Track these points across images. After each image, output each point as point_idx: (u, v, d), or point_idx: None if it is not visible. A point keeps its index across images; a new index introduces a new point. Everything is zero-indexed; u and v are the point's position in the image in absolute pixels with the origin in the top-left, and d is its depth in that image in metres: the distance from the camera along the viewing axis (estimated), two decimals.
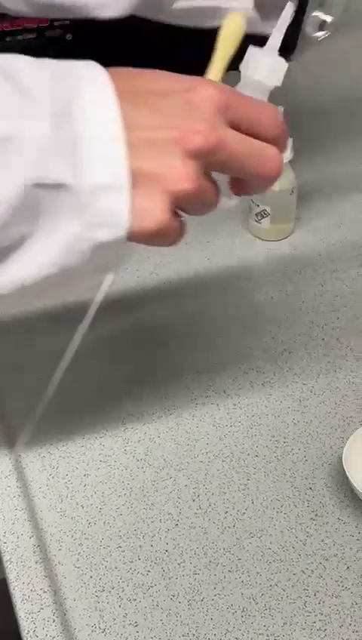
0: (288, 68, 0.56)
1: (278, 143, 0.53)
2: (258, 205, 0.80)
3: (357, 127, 0.96)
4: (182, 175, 0.48)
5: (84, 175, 0.46)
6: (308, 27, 0.79)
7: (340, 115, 0.97)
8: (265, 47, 0.57)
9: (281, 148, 0.53)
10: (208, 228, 0.83)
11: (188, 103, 0.49)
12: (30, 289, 0.50)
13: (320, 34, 0.80)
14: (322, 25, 0.80)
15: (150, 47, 0.98)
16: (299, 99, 0.99)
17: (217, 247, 0.82)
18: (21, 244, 0.48)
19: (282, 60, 0.57)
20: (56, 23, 0.91)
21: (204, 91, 0.49)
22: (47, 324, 0.74)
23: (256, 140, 0.51)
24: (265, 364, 0.70)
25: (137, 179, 0.47)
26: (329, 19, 0.78)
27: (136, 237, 0.48)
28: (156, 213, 0.47)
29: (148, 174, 0.47)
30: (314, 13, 0.79)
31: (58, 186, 0.46)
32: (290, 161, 0.77)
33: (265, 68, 0.56)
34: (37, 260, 0.48)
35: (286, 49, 1.01)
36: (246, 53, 0.56)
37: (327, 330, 0.73)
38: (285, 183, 0.79)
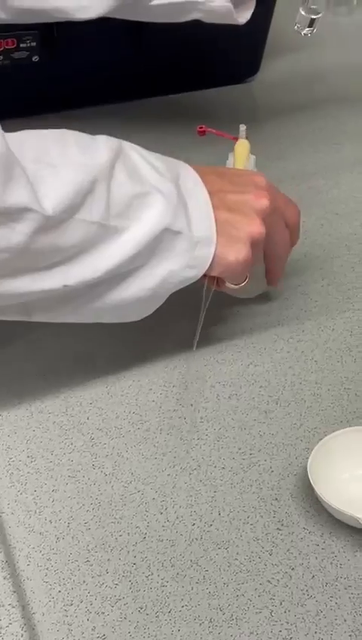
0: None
1: (294, 233, 0.72)
2: None
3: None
4: (256, 222, 0.65)
5: (191, 228, 0.63)
6: (297, 24, 0.82)
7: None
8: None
9: (294, 238, 0.73)
10: None
11: (253, 180, 0.68)
12: (127, 307, 0.64)
13: (307, 30, 0.83)
14: (311, 22, 0.83)
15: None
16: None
17: None
18: (135, 272, 0.62)
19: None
20: (22, 45, 0.92)
21: (260, 176, 0.69)
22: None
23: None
24: (231, 377, 0.71)
25: (221, 227, 0.64)
26: (316, 16, 0.81)
27: (224, 271, 0.65)
28: (239, 246, 0.64)
29: (232, 222, 0.64)
30: (302, 12, 0.81)
31: (178, 233, 0.62)
32: None
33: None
34: (141, 285, 0.63)
35: (248, 69, 1.04)
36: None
37: (292, 343, 0.74)
38: None
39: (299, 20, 0.84)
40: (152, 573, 0.57)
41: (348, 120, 1.00)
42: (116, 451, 0.65)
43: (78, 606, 0.55)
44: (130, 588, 0.56)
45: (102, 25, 0.94)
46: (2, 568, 0.57)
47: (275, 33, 1.03)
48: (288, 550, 0.58)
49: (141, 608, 0.55)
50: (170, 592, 0.56)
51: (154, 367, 0.72)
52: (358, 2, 1.14)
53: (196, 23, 0.96)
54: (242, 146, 0.78)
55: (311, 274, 0.80)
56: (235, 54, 1.01)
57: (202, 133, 0.81)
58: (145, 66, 0.98)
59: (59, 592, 0.56)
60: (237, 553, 0.58)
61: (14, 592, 0.56)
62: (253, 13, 0.97)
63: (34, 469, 0.64)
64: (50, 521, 0.60)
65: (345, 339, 0.74)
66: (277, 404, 0.68)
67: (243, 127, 0.78)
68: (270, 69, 1.05)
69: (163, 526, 0.60)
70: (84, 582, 0.56)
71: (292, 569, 0.57)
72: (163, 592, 0.56)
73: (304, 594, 0.55)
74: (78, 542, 0.59)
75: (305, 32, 0.86)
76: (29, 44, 0.92)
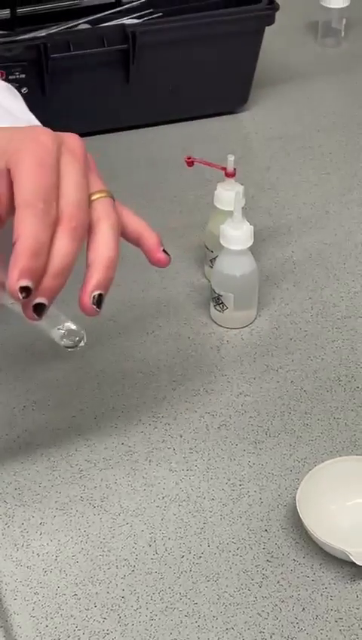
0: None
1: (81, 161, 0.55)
2: (216, 292, 0.77)
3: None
4: None
5: None
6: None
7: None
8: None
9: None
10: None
11: None
12: None
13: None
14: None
15: None
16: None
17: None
18: None
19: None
20: (11, 77, 0.93)
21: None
22: None
23: None
24: (220, 407, 0.71)
25: None
26: None
27: None
28: None
29: None
30: None
31: None
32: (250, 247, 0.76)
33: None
34: None
35: (236, 101, 1.05)
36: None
37: (281, 373, 0.74)
38: (247, 267, 0.76)
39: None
40: (141, 607, 0.57)
41: (336, 150, 1.01)
42: (105, 483, 0.65)
43: None
44: (119, 622, 0.56)
45: (92, 57, 0.96)
46: None
47: (264, 64, 1.04)
48: (278, 582, 0.58)
49: None
50: (158, 626, 0.55)
51: (143, 398, 0.72)
52: (345, 34, 1.17)
53: (185, 55, 0.98)
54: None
55: (300, 303, 0.81)
56: (224, 85, 1.03)
57: (190, 163, 0.82)
58: (134, 97, 0.99)
59: (47, 626, 0.56)
60: (227, 585, 0.58)
61: (1, 626, 0.55)
62: (242, 44, 0.99)
63: (21, 502, 0.63)
64: (37, 554, 0.60)
65: (334, 368, 0.74)
66: (266, 434, 0.68)
67: (231, 158, 0.79)
68: (259, 99, 1.06)
69: (151, 558, 0.60)
70: (71, 616, 0.56)
71: (283, 601, 0.57)
72: (152, 625, 0.55)
73: (294, 627, 0.55)
74: (66, 575, 0.59)
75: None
76: (17, 76, 0.93)
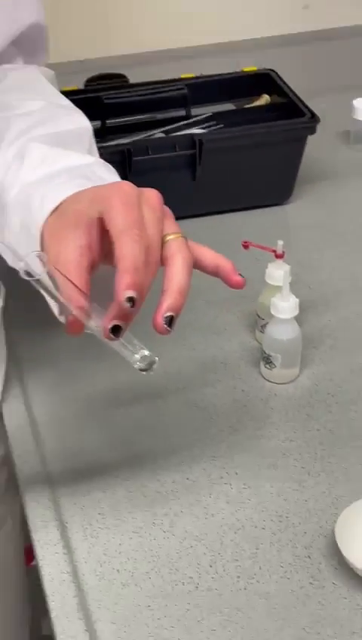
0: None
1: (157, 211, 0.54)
2: (266, 352, 0.77)
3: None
4: None
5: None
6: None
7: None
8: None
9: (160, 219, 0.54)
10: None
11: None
12: None
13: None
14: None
15: None
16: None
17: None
18: None
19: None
20: None
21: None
22: None
23: None
24: (269, 450, 0.70)
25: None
26: None
27: None
28: None
29: None
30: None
31: None
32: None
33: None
34: None
35: (283, 195, 1.06)
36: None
37: (321, 422, 0.73)
38: (292, 333, 0.76)
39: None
40: (203, 619, 0.56)
41: None
42: (172, 511, 0.65)
43: None
44: (185, 631, 0.55)
45: (166, 159, 0.97)
46: (77, 610, 0.57)
47: (306, 165, 1.05)
48: (319, 602, 0.57)
49: None
50: (218, 636, 0.55)
51: (205, 440, 0.71)
52: None
53: (242, 158, 0.99)
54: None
55: (336, 363, 0.80)
56: (273, 182, 1.03)
57: (246, 247, 0.82)
58: (200, 191, 1.00)
59: (125, 632, 0.55)
60: (276, 603, 0.57)
61: (86, 630, 0.55)
62: (288, 150, 1.00)
63: (103, 526, 0.64)
64: (117, 570, 0.60)
65: None
66: (308, 474, 0.68)
67: (280, 242, 0.79)
68: (302, 194, 1.06)
69: (212, 577, 0.59)
70: (145, 624, 0.56)
71: (324, 618, 0.56)
72: (213, 634, 0.55)
73: None
74: (141, 589, 0.58)
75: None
76: None
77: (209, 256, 0.56)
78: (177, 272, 0.52)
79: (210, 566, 0.60)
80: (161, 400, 0.75)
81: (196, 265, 0.55)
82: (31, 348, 0.81)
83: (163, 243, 0.53)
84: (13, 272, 0.53)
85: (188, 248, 0.54)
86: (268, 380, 0.78)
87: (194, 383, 0.78)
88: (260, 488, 0.67)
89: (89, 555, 0.61)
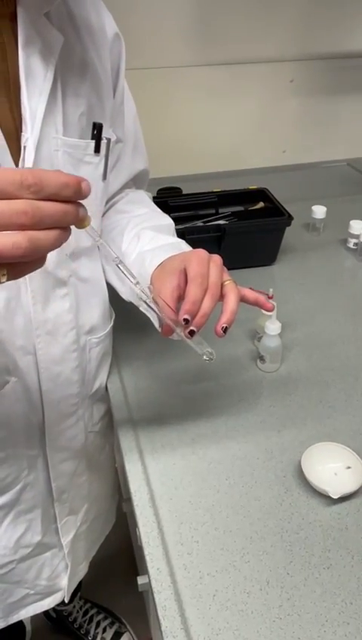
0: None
1: (218, 269, 0.54)
2: (261, 353, 0.76)
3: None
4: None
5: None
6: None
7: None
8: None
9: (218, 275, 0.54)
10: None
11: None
12: None
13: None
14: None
15: None
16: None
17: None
18: None
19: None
20: None
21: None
22: None
23: None
24: (262, 412, 0.68)
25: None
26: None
27: None
28: None
29: None
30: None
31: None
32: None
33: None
34: None
35: (271, 259, 1.02)
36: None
37: (294, 392, 0.70)
38: (277, 342, 0.75)
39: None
40: (222, 510, 0.54)
41: (329, 294, 0.89)
42: (204, 447, 0.62)
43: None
44: (209, 516, 0.53)
45: (203, 238, 0.95)
46: (149, 499, 0.56)
47: (286, 242, 1.03)
48: (290, 503, 0.56)
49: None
50: (231, 521, 0.53)
51: (222, 406, 0.68)
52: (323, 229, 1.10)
53: (246, 237, 0.97)
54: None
55: (301, 362, 0.76)
56: (264, 252, 1.02)
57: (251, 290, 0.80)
58: (223, 257, 0.97)
59: (177, 515, 0.54)
60: (265, 503, 0.55)
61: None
62: (274, 233, 0.97)
63: (163, 453, 0.61)
64: (171, 479, 0.58)
65: (316, 383, 0.70)
66: (285, 426, 0.65)
67: (271, 289, 0.79)
68: (284, 259, 1.03)
69: (227, 486, 0.57)
70: (187, 507, 0.54)
71: (293, 513, 0.55)
72: (227, 519, 0.53)
73: (296, 526, 0.53)
74: (185, 490, 0.57)
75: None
76: None
77: (250, 294, 0.57)
78: (230, 302, 0.53)
79: (226, 479, 0.60)
80: (206, 380, 0.74)
81: (242, 299, 0.56)
82: (126, 349, 0.79)
83: (222, 285, 0.54)
84: (120, 303, 0.55)
85: (237, 288, 0.55)
86: (262, 370, 0.77)
87: (222, 370, 0.76)
88: (255, 434, 0.65)
89: (155, 468, 0.61)
